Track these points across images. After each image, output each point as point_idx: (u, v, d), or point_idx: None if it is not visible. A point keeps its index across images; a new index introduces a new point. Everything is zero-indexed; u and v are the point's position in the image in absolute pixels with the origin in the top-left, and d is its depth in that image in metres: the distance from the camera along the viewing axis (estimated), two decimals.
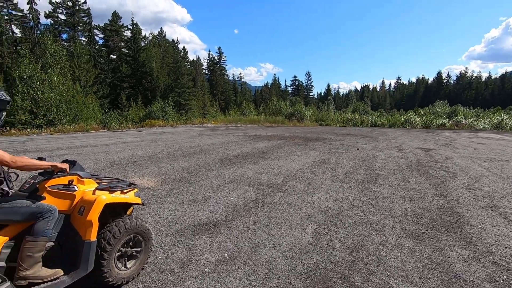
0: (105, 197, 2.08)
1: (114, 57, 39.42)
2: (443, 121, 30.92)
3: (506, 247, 3.01)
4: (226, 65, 63.35)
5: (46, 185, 2.02)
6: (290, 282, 2.37)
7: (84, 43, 35.52)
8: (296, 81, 80.00)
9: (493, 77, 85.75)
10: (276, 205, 4.24)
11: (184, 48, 49.84)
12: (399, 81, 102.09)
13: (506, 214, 4.01)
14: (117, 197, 2.19)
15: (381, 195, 4.81)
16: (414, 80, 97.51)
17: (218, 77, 59.01)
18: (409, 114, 35.25)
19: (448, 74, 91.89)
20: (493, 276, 2.48)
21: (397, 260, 2.73)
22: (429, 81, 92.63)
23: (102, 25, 39.51)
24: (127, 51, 38.47)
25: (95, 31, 38.66)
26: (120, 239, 2.14)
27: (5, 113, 1.97)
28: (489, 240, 3.17)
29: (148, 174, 6.12)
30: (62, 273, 1.88)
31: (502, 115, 33.98)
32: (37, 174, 2.10)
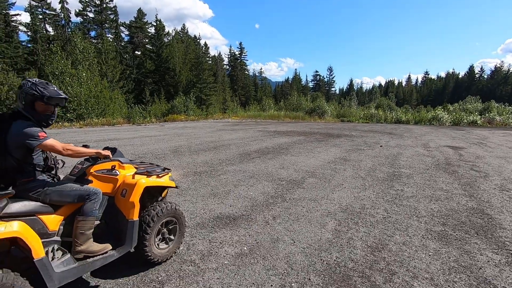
0: (144, 181, 2.29)
1: (139, 53, 40.62)
2: (475, 118, 29.20)
3: None
4: (246, 60, 63.48)
5: (91, 170, 2.26)
6: (309, 279, 2.36)
7: (111, 40, 36.83)
8: (318, 76, 78.58)
9: None
10: (295, 201, 4.23)
11: (205, 44, 50.38)
12: (426, 75, 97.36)
13: None
14: (154, 180, 2.40)
15: (405, 194, 4.65)
16: (443, 74, 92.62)
17: (238, 72, 59.18)
18: (437, 111, 33.62)
19: (481, 68, 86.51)
20: None
21: (421, 262, 2.64)
22: (460, 76, 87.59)
23: (127, 22, 40.78)
24: (151, 47, 39.50)
25: (121, 28, 39.95)
26: (159, 220, 2.39)
27: (58, 108, 2.12)
28: None
29: (170, 167, 6.28)
30: (111, 248, 2.12)
31: None
32: (83, 160, 2.32)
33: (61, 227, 1.99)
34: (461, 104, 42.67)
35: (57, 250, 1.90)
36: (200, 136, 12.59)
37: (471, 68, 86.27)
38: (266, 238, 3.06)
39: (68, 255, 1.90)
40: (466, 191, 4.89)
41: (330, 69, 77.90)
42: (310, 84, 78.67)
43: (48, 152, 2.09)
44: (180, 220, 2.59)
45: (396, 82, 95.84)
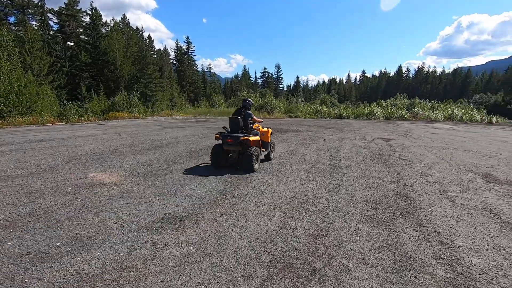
0: (268, 130, 6.83)
1: (72, 44, 36.55)
2: (403, 113, 32.97)
3: (450, 227, 3.32)
4: (194, 55, 61.76)
5: (254, 127, 6.32)
6: (255, 271, 2.41)
7: (36, 28, 32.43)
8: (266, 73, 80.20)
9: (446, 72, 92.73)
10: (243, 197, 4.28)
11: (149, 37, 47.62)
12: (363, 74, 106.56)
13: (452, 197, 4.41)
14: (269, 130, 6.88)
15: (344, 184, 5.04)
16: (377, 73, 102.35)
17: (186, 67, 57.28)
18: (372, 106, 37.08)
19: (407, 69, 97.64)
20: (438, 254, 2.73)
21: (356, 244, 2.89)
22: (391, 75, 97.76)
23: (56, 8, 36.34)
24: (86, 38, 35.79)
25: (49, 15, 35.46)
26: (273, 146, 7.14)
27: None
28: (437, 222, 3.47)
29: (110, 169, 5.83)
30: (265, 152, 6.70)
31: (453, 107, 37.02)
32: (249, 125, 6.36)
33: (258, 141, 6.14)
34: (392, 101, 47.61)
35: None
36: (145, 135, 11.91)
37: (399, 68, 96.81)
38: (213, 235, 3.04)
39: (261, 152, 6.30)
40: (394, 178, 5.50)
41: (278, 67, 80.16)
42: (259, 81, 79.99)
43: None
44: (274, 145, 7.21)
45: (337, 80, 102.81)
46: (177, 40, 76.73)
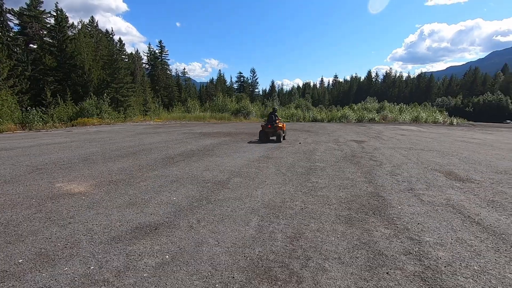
0: (284, 124, 12.32)
1: (35, 47, 34.44)
2: (373, 115, 34.44)
3: (418, 223, 3.50)
4: (168, 59, 60.55)
5: (278, 123, 11.72)
6: (233, 277, 2.39)
7: None
8: (242, 78, 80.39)
9: (412, 77, 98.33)
10: (220, 202, 4.24)
11: (120, 40, 46.01)
12: (336, 79, 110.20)
13: (419, 195, 4.66)
14: (284, 125, 12.37)
15: (319, 186, 5.16)
16: (348, 78, 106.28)
17: (160, 72, 55.97)
18: (345, 110, 38.40)
19: (376, 73, 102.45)
20: (408, 250, 2.87)
21: (331, 244, 2.97)
22: (361, 79, 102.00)
23: (17, 9, 34.13)
24: (51, 41, 33.88)
25: (8, 15, 33.20)
26: (285, 134, 12.69)
27: None
28: (406, 219, 3.65)
29: (78, 178, 5.54)
30: (283, 134, 12.37)
31: (419, 109, 39.30)
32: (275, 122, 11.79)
33: (282, 131, 11.96)
34: (363, 104, 49.58)
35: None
36: (117, 141, 11.46)
37: (369, 73, 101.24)
38: (190, 243, 2.98)
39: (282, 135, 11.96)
40: (366, 178, 5.72)
41: (253, 71, 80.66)
42: (235, 85, 79.96)
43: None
44: (285, 132, 12.69)
45: (311, 84, 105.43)
46: (149, 44, 74.91)
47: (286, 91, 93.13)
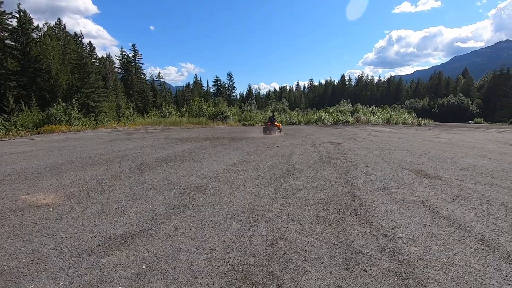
0: (280, 124, 20.08)
1: None
2: (348, 118, 35.59)
3: (392, 220, 3.65)
4: (142, 63, 59.00)
5: (275, 123, 18.43)
6: (213, 283, 2.35)
7: None
8: (218, 82, 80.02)
9: (382, 80, 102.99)
10: (199, 208, 4.17)
11: (90, 43, 44.35)
12: (311, 82, 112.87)
13: (392, 193, 4.86)
14: (280, 124, 19.88)
15: (298, 188, 5.23)
16: (323, 82, 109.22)
17: (133, 76, 54.36)
18: (320, 113, 39.36)
19: (349, 77, 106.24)
20: (383, 246, 2.97)
21: (310, 245, 3.01)
22: (335, 83, 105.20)
23: None
24: (13, 44, 31.86)
25: None
26: (280, 130, 19.10)
27: None
28: (380, 216, 3.79)
29: (46, 189, 5.21)
30: (279, 130, 19.04)
31: (390, 111, 41.12)
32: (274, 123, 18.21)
33: (278, 129, 18.63)
34: (337, 107, 51.16)
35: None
36: (88, 149, 10.94)
37: (343, 77, 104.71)
38: (167, 251, 2.89)
39: (278, 131, 18.47)
40: (342, 179, 5.88)
41: (230, 75, 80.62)
42: (212, 90, 79.43)
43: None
44: (281, 128, 19.57)
45: (288, 88, 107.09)
46: (122, 48, 72.82)
47: (263, 95, 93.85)
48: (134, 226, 3.51)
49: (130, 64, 56.01)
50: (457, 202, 4.40)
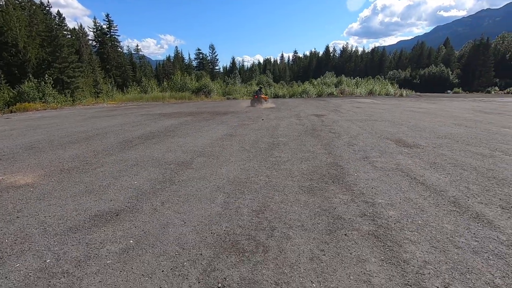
0: (266, 96, 22.93)
1: None
2: (332, 90, 35.66)
3: (372, 188, 3.81)
4: (118, 35, 55.12)
5: (262, 96, 20.18)
6: (201, 254, 2.42)
7: None
8: (200, 55, 77.02)
9: (366, 51, 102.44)
10: (185, 182, 4.18)
11: (59, 13, 41.02)
12: (296, 54, 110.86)
13: (373, 162, 5.03)
14: (267, 96, 22.34)
15: (282, 160, 5.31)
16: (308, 53, 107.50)
17: (110, 49, 51.36)
18: (305, 85, 39.16)
19: (334, 48, 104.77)
20: (363, 212, 3.12)
21: (295, 214, 3.11)
22: (320, 55, 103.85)
23: None
24: None
25: None
26: (267, 102, 20.60)
27: None
28: (361, 184, 3.94)
29: (24, 169, 5.04)
30: (266, 102, 20.43)
31: (374, 83, 41.45)
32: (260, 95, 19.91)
33: (265, 101, 20.15)
34: (322, 79, 50.91)
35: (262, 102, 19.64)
36: (66, 127, 10.53)
37: (327, 48, 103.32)
38: (154, 225, 2.92)
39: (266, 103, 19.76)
40: (326, 150, 6.00)
41: (213, 47, 77.65)
42: (194, 63, 76.66)
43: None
44: (268, 100, 21.17)
45: (272, 60, 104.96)
46: (95, 18, 67.99)
47: (247, 68, 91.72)
48: (120, 203, 3.50)
49: (105, 37, 52.66)
50: (434, 168, 4.62)
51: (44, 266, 2.29)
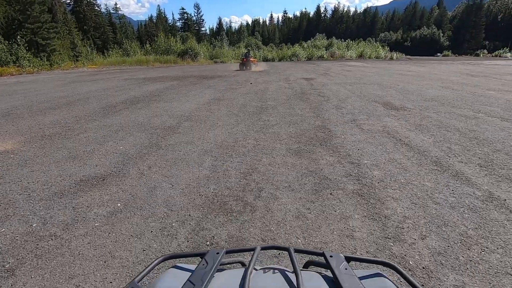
0: (255, 59, 23.77)
1: None
2: (322, 53, 34.78)
3: (358, 149, 3.86)
4: None
5: (250, 59, 20.26)
6: (190, 214, 2.46)
7: None
8: (185, 14, 72.38)
9: (358, 12, 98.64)
10: (172, 147, 4.12)
11: None
12: (285, 15, 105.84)
13: (361, 125, 5.06)
14: (255, 59, 22.71)
15: (271, 123, 5.27)
16: (298, 14, 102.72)
17: (85, 8, 47.50)
18: (295, 48, 37.95)
19: (325, 8, 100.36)
20: (349, 172, 3.19)
21: (282, 175, 3.16)
22: (311, 15, 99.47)
23: None
24: None
25: None
26: (256, 65, 21.42)
27: None
28: (348, 146, 3.99)
29: (2, 135, 4.84)
30: (254, 65, 20.92)
31: (364, 46, 40.56)
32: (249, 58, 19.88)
33: (254, 64, 20.67)
34: (312, 42, 49.37)
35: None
36: (45, 92, 10.02)
37: (318, 8, 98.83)
38: (142, 189, 2.92)
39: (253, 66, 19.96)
40: (314, 113, 5.97)
41: (198, 7, 72.91)
42: (178, 24, 72.31)
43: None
44: (256, 63, 21.44)
45: (261, 21, 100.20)
46: None
47: (235, 29, 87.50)
48: (106, 168, 3.45)
49: None
50: (419, 130, 4.70)
51: (30, 230, 2.28)
